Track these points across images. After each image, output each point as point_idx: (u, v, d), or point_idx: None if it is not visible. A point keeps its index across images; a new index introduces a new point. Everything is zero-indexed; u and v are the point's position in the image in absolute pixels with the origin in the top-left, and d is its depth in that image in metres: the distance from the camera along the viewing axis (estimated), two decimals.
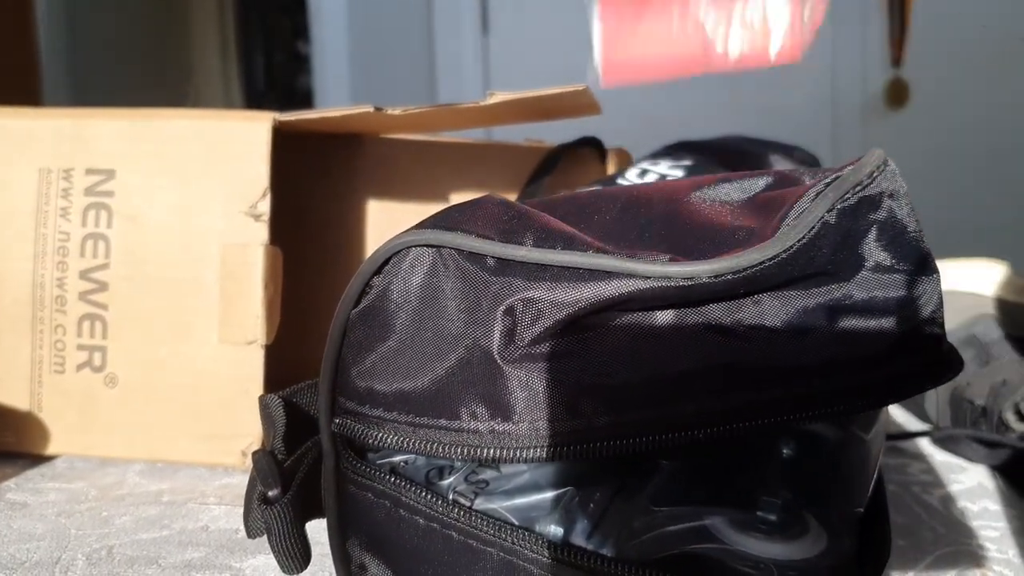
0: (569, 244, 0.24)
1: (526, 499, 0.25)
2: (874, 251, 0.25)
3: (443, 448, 0.24)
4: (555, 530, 0.25)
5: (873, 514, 0.29)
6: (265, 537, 0.26)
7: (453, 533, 0.24)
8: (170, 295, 0.46)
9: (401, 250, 0.25)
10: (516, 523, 0.25)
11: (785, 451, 0.27)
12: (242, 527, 0.28)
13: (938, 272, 0.26)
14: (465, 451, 0.24)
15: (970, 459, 0.46)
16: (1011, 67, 1.90)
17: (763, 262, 0.23)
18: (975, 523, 0.39)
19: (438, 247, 0.25)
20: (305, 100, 2.71)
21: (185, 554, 0.37)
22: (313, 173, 0.57)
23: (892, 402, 0.25)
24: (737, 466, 0.27)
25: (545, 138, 0.62)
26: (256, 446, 0.46)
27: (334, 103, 2.16)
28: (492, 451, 0.24)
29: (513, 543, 0.24)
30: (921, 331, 0.25)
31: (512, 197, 0.56)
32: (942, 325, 0.26)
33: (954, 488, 0.43)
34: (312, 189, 0.57)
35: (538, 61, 2.05)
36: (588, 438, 0.23)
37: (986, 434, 0.44)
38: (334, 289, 0.58)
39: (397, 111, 0.46)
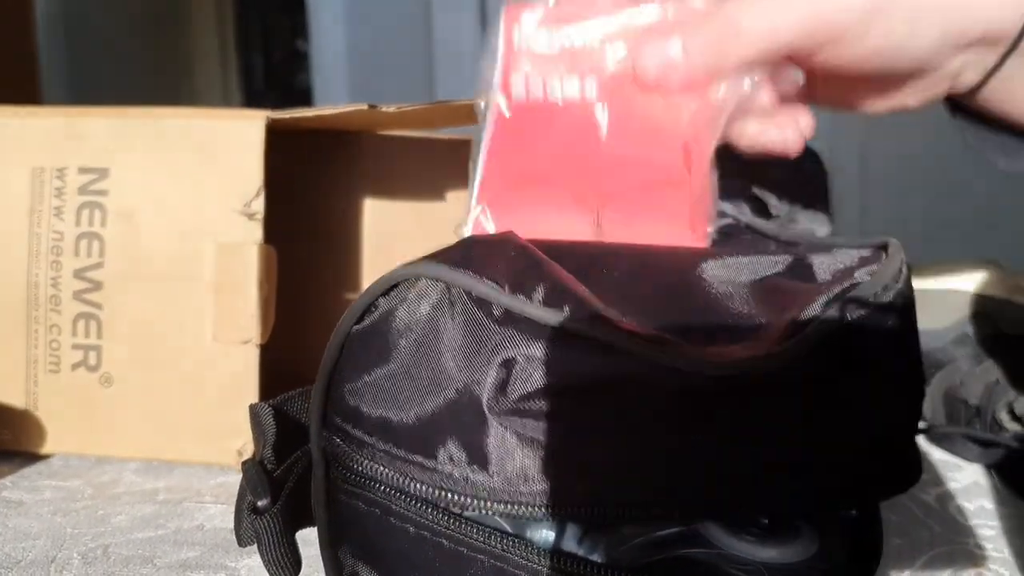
0: (578, 307, 0.24)
1: None
2: (871, 359, 0.25)
3: (414, 485, 0.24)
4: (546, 535, 0.25)
5: (866, 516, 0.29)
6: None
7: (443, 540, 0.24)
8: (164, 294, 0.46)
9: (411, 278, 0.25)
10: (507, 528, 0.25)
11: None
12: None
13: (923, 383, 0.26)
14: (436, 493, 0.24)
15: (965, 458, 0.46)
16: None
17: (766, 370, 0.23)
18: (971, 522, 0.39)
19: (447, 284, 0.25)
20: (304, 98, 2.70)
21: (180, 553, 0.37)
22: (309, 171, 0.57)
23: (860, 505, 0.26)
24: None
25: None
26: (252, 446, 0.46)
27: (333, 101, 2.16)
28: (463, 499, 0.24)
29: (503, 550, 0.24)
30: (894, 440, 0.26)
31: None
32: (915, 433, 0.27)
33: (950, 486, 0.43)
34: (308, 187, 0.57)
35: None
36: (560, 502, 0.23)
37: (980, 433, 0.44)
38: (329, 288, 0.58)
39: (391, 108, 0.46)
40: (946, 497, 0.42)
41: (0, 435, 0.48)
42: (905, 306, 0.27)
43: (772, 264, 0.29)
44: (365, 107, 0.46)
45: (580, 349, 0.23)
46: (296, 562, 0.26)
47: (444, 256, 0.26)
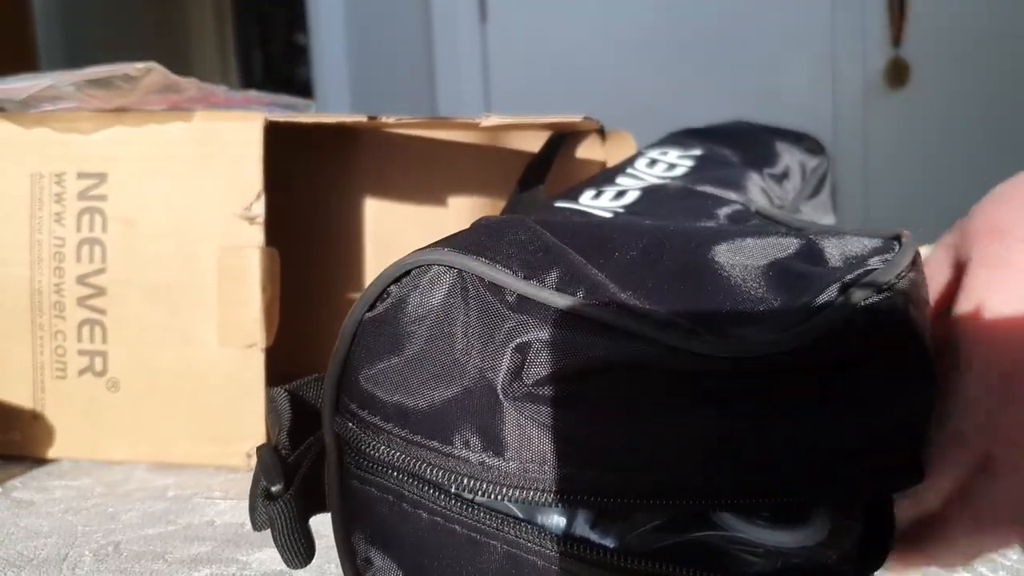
0: (592, 292, 0.24)
1: None
2: (883, 348, 0.25)
3: (431, 471, 0.24)
4: (558, 520, 0.25)
5: (877, 500, 0.29)
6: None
7: (456, 527, 0.25)
8: (168, 299, 0.46)
9: (423, 265, 0.25)
10: (519, 515, 0.25)
11: None
12: (248, 521, 0.28)
13: (935, 378, 0.26)
14: (453, 478, 0.24)
15: None
16: (1010, 46, 1.89)
17: (780, 353, 0.23)
18: None
19: (460, 270, 0.25)
20: (304, 91, 2.70)
21: (192, 548, 0.37)
22: (309, 169, 0.57)
23: (874, 496, 0.25)
24: None
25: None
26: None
27: (332, 94, 2.16)
28: (479, 484, 0.24)
29: (516, 536, 0.24)
30: (904, 431, 0.25)
31: (509, 189, 0.56)
32: (926, 426, 0.26)
33: None
34: (308, 185, 0.57)
35: (536, 48, 2.04)
36: (571, 489, 0.23)
37: None
38: (332, 286, 0.58)
39: (391, 119, 0.46)
40: None
41: (10, 437, 0.48)
42: (919, 296, 0.27)
43: (783, 247, 0.28)
44: (364, 119, 0.45)
45: (594, 333, 0.23)
46: (310, 548, 0.26)
47: (455, 242, 0.26)
